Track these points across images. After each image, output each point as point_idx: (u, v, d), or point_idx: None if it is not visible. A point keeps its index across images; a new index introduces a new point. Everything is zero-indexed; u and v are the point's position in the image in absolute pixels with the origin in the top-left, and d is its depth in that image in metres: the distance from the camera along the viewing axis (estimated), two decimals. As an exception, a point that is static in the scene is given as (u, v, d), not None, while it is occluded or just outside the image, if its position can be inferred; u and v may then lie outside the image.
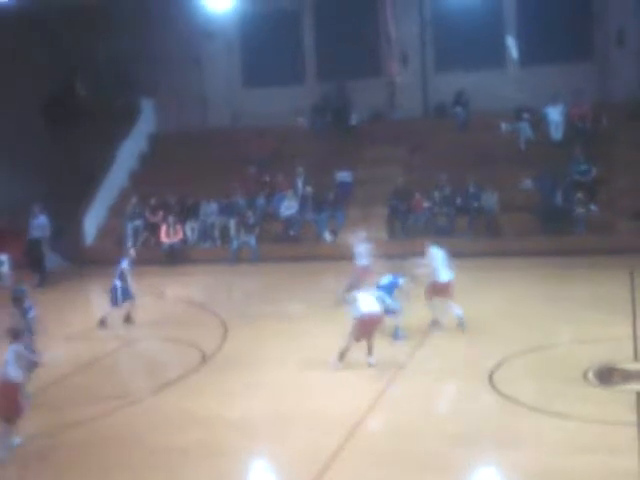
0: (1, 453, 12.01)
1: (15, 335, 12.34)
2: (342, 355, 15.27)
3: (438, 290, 17.45)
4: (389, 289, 16.58)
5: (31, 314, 14.52)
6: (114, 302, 19.40)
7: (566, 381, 13.82)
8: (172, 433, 12.92)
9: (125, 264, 19.53)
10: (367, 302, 15.32)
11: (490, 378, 14.13)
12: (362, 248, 19.93)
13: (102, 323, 19.48)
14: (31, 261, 26.02)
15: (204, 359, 16.63)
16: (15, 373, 12.04)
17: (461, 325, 17.23)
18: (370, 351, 15.29)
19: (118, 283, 19.32)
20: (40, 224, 25.99)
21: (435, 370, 15.08)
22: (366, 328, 15.18)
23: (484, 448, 11.71)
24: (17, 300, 14.59)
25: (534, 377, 14.35)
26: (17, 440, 12.39)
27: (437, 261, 17.66)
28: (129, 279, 19.31)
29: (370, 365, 15.17)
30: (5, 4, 27.35)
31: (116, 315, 19.63)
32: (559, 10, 29.55)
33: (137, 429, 13.23)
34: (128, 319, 19.54)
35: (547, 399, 13.15)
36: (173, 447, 12.33)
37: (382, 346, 16.21)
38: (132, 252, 20.37)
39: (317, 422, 12.86)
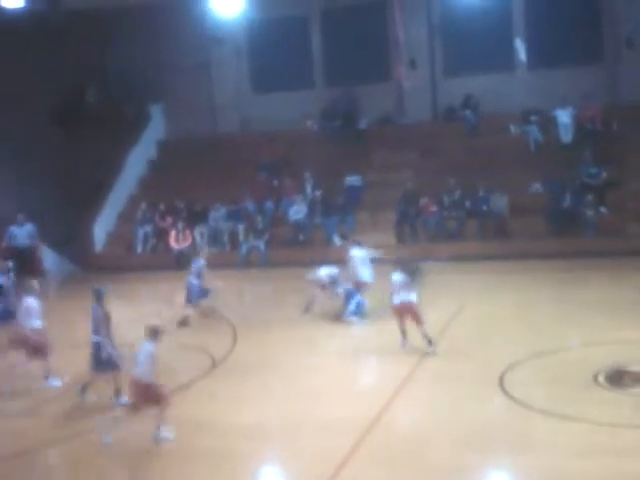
0: (166, 434, 12.54)
1: (154, 334, 12.60)
2: (404, 334, 16.52)
3: (359, 287, 18.98)
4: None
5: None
6: (189, 300, 19.82)
7: (577, 384, 13.76)
8: (183, 439, 12.87)
9: (201, 262, 19.76)
10: (401, 293, 16.36)
11: (501, 381, 14.08)
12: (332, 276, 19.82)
13: (183, 323, 19.65)
14: (23, 269, 26.00)
15: (214, 364, 16.61)
16: (146, 371, 12.46)
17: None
18: (403, 334, 16.51)
19: (195, 281, 19.62)
20: (28, 232, 26.48)
21: (445, 373, 15.01)
22: (400, 315, 16.48)
23: (495, 451, 11.68)
24: (99, 299, 14.74)
25: (545, 380, 14.30)
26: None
27: (357, 261, 19.14)
28: (205, 278, 19.76)
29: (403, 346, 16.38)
30: (15, 11, 27.42)
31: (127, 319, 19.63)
32: (568, 13, 29.45)
33: (147, 435, 13.20)
34: (184, 322, 19.74)
35: (558, 402, 13.10)
36: (184, 453, 12.31)
37: (392, 352, 16.23)
38: (207, 251, 21.12)
39: (328, 427, 12.82)
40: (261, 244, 27.05)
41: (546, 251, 24.16)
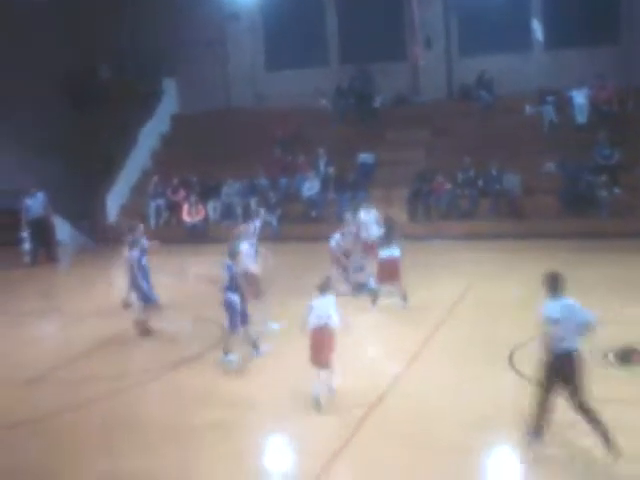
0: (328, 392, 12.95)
1: (326, 287, 13.07)
2: (374, 299, 17.76)
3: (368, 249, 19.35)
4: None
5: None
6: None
7: (586, 362, 13.73)
8: (188, 411, 12.97)
9: (258, 223, 19.99)
10: (388, 248, 17.57)
11: (510, 359, 14.07)
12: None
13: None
14: (39, 238, 26.51)
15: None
16: (335, 321, 12.82)
17: None
18: (402, 296, 17.55)
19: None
20: (41, 202, 26.74)
21: (454, 351, 15.01)
22: (385, 271, 17.49)
23: (504, 428, 11.66)
24: (234, 256, 15.03)
25: (554, 358, 14.29)
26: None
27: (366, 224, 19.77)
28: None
29: (404, 308, 17.46)
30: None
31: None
32: (586, -7, 29.39)
33: (154, 406, 13.32)
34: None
35: (567, 379, 13.08)
36: (189, 425, 12.38)
37: (401, 329, 16.23)
38: (262, 213, 21.55)
39: (335, 401, 12.85)
40: (274, 219, 27.07)
41: (559, 231, 24.12)
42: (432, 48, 30.55)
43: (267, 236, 26.49)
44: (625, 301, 17.10)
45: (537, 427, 10.83)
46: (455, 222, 25.88)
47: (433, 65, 30.32)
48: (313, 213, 27.36)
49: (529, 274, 20.13)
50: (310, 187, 27.76)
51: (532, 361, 13.96)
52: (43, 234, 26.54)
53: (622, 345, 14.31)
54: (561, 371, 10.69)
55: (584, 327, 10.67)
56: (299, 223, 27.29)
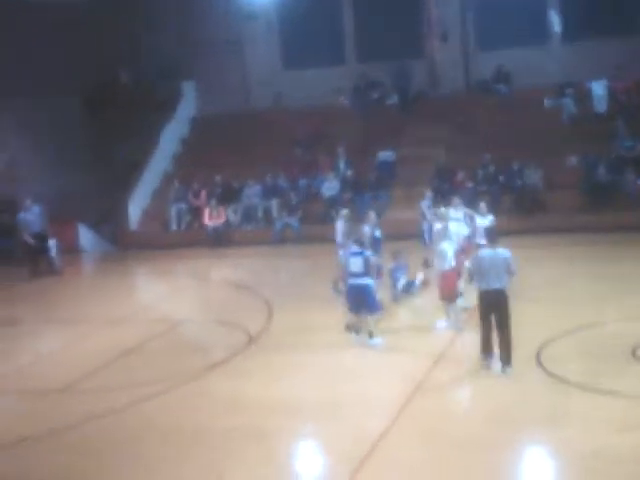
0: (455, 325, 15.92)
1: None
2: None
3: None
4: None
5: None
6: (424, 242, 20.71)
7: (614, 359, 13.67)
8: (217, 415, 12.95)
9: (426, 205, 21.11)
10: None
11: (537, 357, 14.00)
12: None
13: (426, 264, 19.66)
14: (34, 254, 25.18)
15: (250, 341, 16.67)
16: (451, 264, 15.77)
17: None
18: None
19: (425, 224, 20.41)
20: (39, 216, 25.35)
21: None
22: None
23: (532, 427, 11.61)
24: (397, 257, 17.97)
25: (582, 355, 14.21)
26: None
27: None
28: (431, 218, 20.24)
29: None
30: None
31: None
32: (603, -16, 29.21)
33: (182, 412, 13.26)
34: (426, 263, 19.61)
35: (595, 377, 13.01)
36: (218, 429, 12.37)
37: (424, 331, 16.19)
38: (429, 193, 22.41)
39: (363, 403, 12.85)
40: (295, 221, 27.07)
41: (582, 225, 23.95)
42: (449, 43, 30.43)
43: (289, 238, 26.82)
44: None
45: (487, 348, 13.68)
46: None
47: (450, 60, 30.23)
48: (333, 213, 27.22)
49: (554, 270, 20.18)
50: (330, 187, 27.71)
51: (559, 359, 14.00)
52: (42, 247, 25.20)
53: (651, 341, 14.26)
54: (494, 302, 13.50)
55: (511, 272, 13.64)
56: (320, 224, 27.20)
